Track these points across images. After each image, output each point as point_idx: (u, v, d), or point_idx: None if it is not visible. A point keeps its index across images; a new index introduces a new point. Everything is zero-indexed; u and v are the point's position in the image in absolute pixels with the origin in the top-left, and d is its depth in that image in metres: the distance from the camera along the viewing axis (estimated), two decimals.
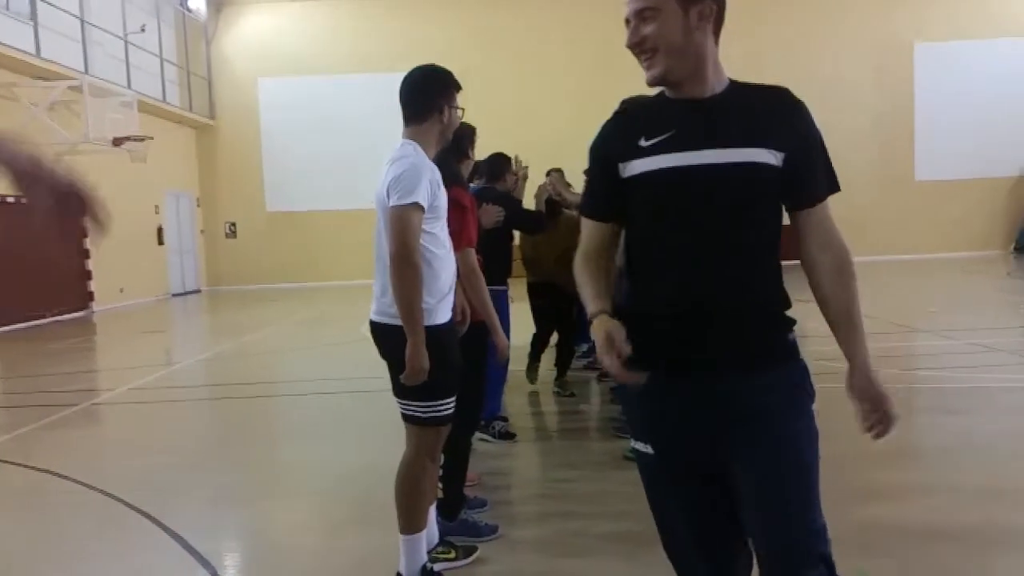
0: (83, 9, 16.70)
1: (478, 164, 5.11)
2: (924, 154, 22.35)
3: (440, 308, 3.03)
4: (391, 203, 2.86)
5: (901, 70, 22.21)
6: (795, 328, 1.83)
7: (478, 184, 5.29)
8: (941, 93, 22.03)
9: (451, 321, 3.15)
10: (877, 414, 1.81)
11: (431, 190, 2.94)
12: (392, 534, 3.18)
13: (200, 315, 17.71)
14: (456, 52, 20.30)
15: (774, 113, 1.78)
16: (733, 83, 1.82)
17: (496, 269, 4.84)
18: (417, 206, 2.85)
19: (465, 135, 3.88)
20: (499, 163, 5.51)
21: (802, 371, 1.83)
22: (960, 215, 22.07)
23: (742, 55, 18.66)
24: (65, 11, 15.73)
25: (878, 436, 1.82)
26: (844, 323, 1.82)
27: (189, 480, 5.01)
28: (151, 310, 17.75)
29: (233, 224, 22.88)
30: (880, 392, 1.81)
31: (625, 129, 1.84)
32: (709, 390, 1.77)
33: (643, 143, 1.78)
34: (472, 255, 3.54)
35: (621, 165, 1.81)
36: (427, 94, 3.06)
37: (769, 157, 1.74)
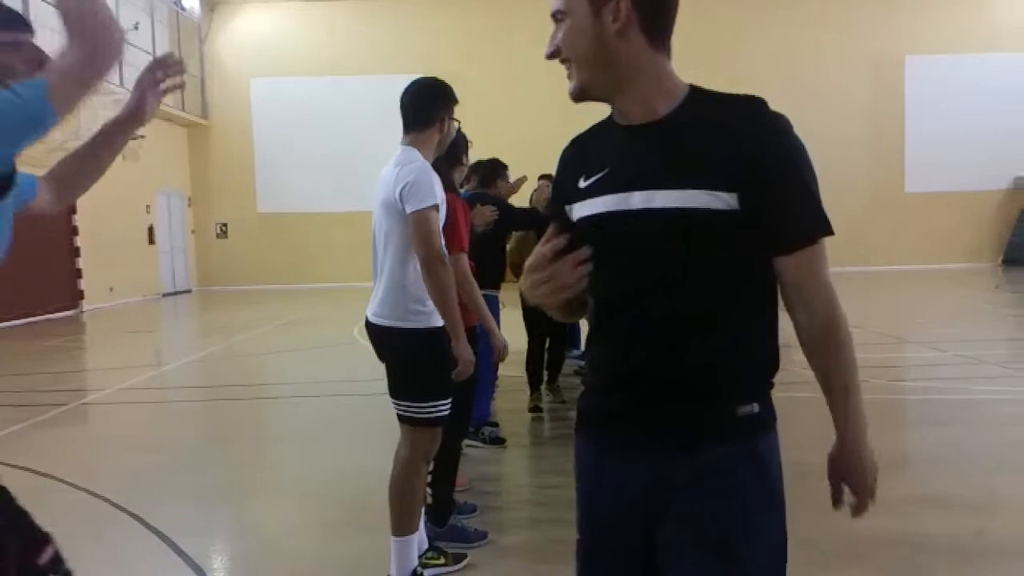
0: None
1: (471, 168, 5.12)
2: (914, 166, 22.50)
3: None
4: (410, 209, 2.95)
5: (892, 83, 22.36)
6: (761, 401, 1.48)
7: (469, 189, 5.30)
8: (932, 106, 22.19)
9: None
10: (855, 497, 1.54)
11: (441, 192, 3.07)
12: (382, 537, 3.19)
13: (190, 315, 17.63)
14: (447, 54, 20.39)
15: (731, 138, 1.39)
16: (692, 95, 1.47)
17: (488, 274, 4.85)
18: (436, 208, 2.98)
19: (459, 143, 3.94)
20: (492, 169, 5.52)
21: (760, 457, 1.46)
22: (950, 227, 22.22)
23: (733, 68, 18.78)
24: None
25: (856, 514, 1.55)
26: (829, 393, 1.50)
27: (178, 481, 4.99)
28: (141, 310, 17.67)
29: (224, 224, 22.81)
30: (863, 480, 1.53)
31: (571, 165, 1.58)
32: (637, 474, 1.48)
33: (582, 183, 1.53)
34: (464, 260, 3.58)
35: (567, 208, 1.57)
36: (429, 105, 3.18)
37: (711, 200, 1.38)
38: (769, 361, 1.50)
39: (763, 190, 1.38)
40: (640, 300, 1.46)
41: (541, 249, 1.41)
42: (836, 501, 1.55)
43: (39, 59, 1.78)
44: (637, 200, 1.43)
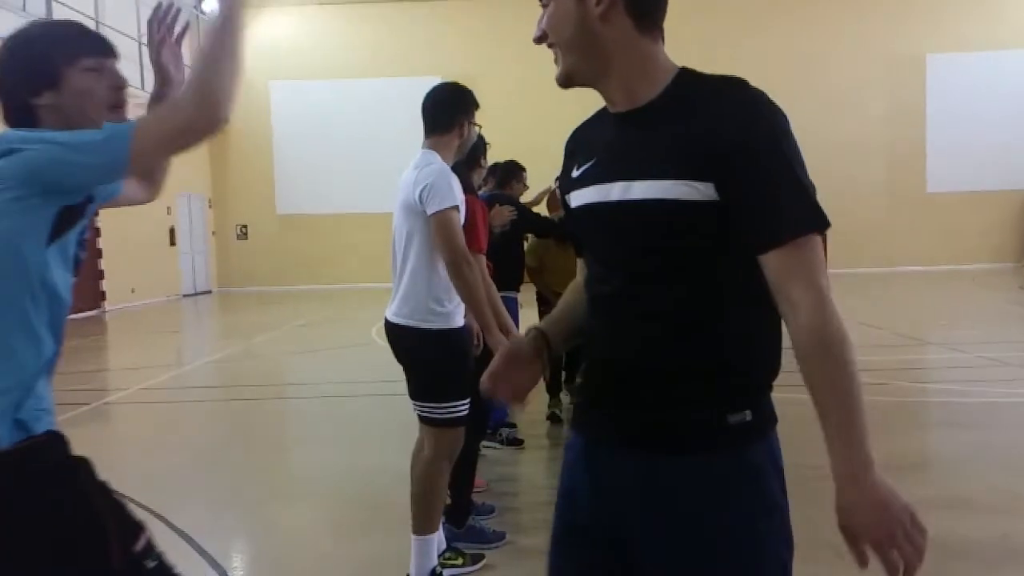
0: (98, 11, 16.84)
1: (489, 170, 5.14)
2: (936, 166, 22.23)
3: (457, 311, 3.16)
4: (431, 210, 2.99)
5: (913, 82, 22.12)
6: (755, 407, 1.36)
7: (487, 191, 5.32)
8: (953, 105, 21.91)
9: (467, 325, 3.23)
10: (882, 555, 1.24)
11: (460, 194, 3.11)
12: (400, 537, 3.20)
13: (211, 316, 17.78)
14: (464, 57, 20.43)
15: (708, 123, 1.29)
16: (676, 79, 1.38)
17: (507, 276, 4.87)
18: (456, 208, 3.03)
19: (478, 146, 3.99)
20: (509, 170, 5.56)
21: (755, 467, 1.35)
22: (972, 227, 21.95)
23: (752, 67, 18.62)
24: (80, 12, 15.86)
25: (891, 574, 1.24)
26: (821, 417, 1.27)
27: (199, 480, 5.04)
28: (162, 310, 17.83)
29: (244, 226, 22.98)
30: (877, 530, 1.25)
31: (570, 155, 1.55)
32: (622, 474, 1.41)
33: (574, 173, 1.48)
34: (482, 261, 3.59)
35: (566, 198, 1.55)
36: (450, 110, 3.24)
37: (688, 191, 1.28)
38: (766, 366, 1.39)
39: (741, 179, 1.27)
40: (622, 296, 1.40)
41: (486, 373, 1.54)
42: (860, 562, 1.27)
43: (120, 84, 1.79)
44: (616, 191, 1.36)
